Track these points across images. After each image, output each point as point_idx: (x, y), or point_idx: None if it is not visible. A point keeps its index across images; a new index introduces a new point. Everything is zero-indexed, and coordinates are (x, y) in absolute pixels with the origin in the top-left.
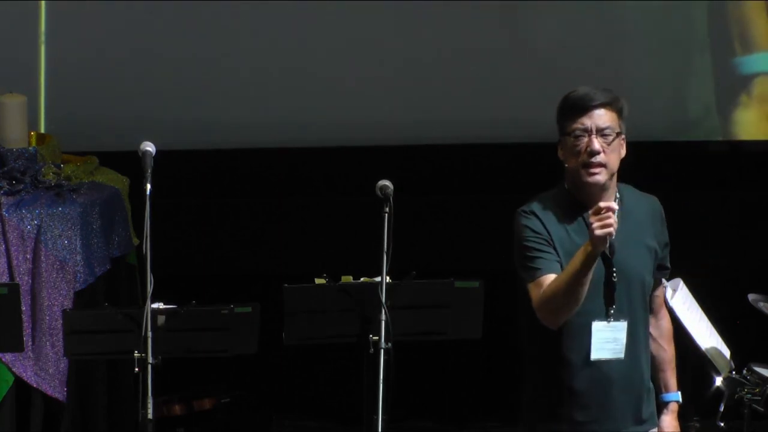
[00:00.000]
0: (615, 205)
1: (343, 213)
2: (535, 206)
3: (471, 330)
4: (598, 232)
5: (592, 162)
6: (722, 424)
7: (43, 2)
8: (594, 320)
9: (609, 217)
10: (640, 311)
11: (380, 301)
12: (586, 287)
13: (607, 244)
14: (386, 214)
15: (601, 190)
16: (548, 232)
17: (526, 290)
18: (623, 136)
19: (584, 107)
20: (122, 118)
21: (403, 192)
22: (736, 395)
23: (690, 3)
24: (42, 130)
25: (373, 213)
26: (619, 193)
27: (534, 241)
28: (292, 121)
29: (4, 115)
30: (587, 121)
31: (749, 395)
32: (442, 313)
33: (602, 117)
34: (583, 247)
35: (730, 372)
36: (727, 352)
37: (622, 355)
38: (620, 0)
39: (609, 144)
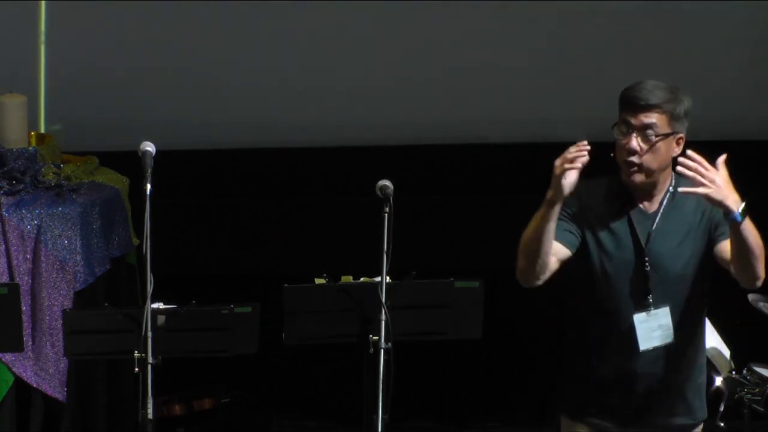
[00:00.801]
0: (583, 144)
1: (343, 213)
2: (585, 184)
3: (471, 330)
4: (557, 163)
5: (627, 161)
6: (722, 424)
7: (43, 2)
8: (633, 311)
9: (569, 153)
10: (680, 305)
11: (380, 301)
12: (543, 240)
13: (563, 191)
14: (386, 214)
15: (650, 186)
16: (581, 210)
17: (570, 282)
18: (678, 136)
19: (631, 105)
20: (122, 118)
21: (403, 192)
22: (736, 395)
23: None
24: (42, 130)
25: (373, 213)
26: (673, 188)
27: (561, 212)
28: (292, 121)
29: (4, 115)
30: (631, 119)
31: (749, 395)
32: (442, 313)
33: (648, 117)
34: None
35: (730, 372)
36: (727, 352)
37: (671, 339)
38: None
39: (650, 145)
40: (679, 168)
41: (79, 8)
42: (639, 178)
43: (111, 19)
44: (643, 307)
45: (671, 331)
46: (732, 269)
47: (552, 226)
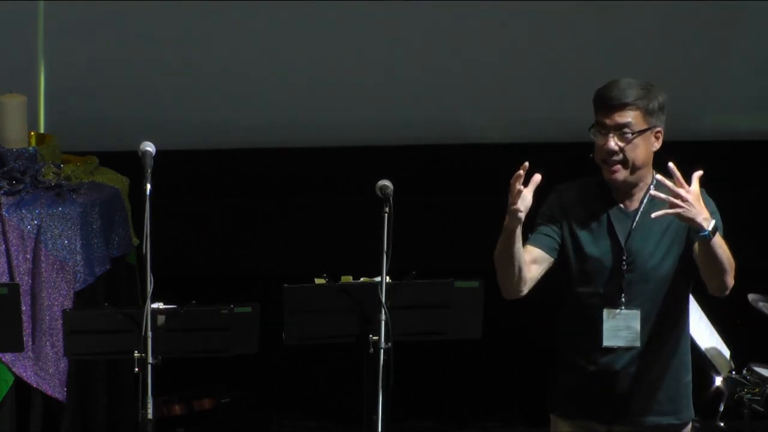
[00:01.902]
0: (522, 169)
1: (343, 213)
2: (567, 185)
3: (471, 330)
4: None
5: (608, 161)
6: (722, 424)
7: (42, 2)
8: (604, 307)
9: (514, 191)
10: (660, 303)
11: (380, 301)
12: (511, 260)
13: (519, 220)
14: (386, 214)
15: (631, 184)
16: (561, 211)
17: (560, 280)
18: (656, 130)
19: (604, 105)
20: (122, 118)
21: (403, 192)
22: (736, 395)
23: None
24: (42, 130)
25: (373, 213)
26: (654, 185)
27: (541, 215)
28: (292, 121)
29: (4, 115)
30: (606, 120)
31: (749, 395)
32: (442, 313)
33: (622, 116)
34: None
35: (730, 372)
36: (727, 352)
37: (637, 344)
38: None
39: (628, 142)
40: (652, 192)
41: (79, 8)
42: (622, 175)
43: (111, 19)
44: (615, 305)
45: (638, 335)
46: (702, 275)
47: (518, 246)
